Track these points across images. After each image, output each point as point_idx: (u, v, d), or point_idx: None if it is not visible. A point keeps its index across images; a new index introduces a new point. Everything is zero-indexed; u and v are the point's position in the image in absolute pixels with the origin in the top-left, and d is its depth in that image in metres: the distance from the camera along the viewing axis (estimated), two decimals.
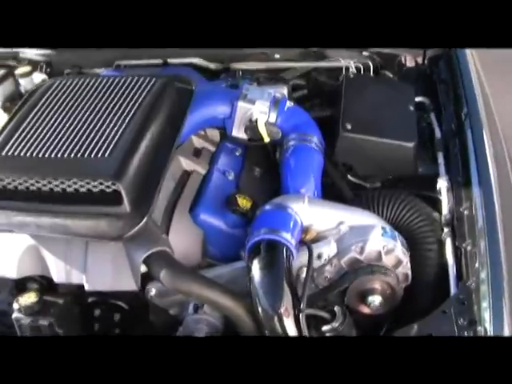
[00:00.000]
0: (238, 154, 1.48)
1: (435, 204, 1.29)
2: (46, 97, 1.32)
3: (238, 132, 1.45)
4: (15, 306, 1.21)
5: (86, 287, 1.18)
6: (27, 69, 1.72)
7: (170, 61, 1.73)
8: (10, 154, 1.17)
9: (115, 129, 1.19)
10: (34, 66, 1.76)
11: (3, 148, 1.19)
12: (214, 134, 1.53)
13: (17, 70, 1.74)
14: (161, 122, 1.25)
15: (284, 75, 1.64)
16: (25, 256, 1.22)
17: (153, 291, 1.25)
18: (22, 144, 1.19)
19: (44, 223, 1.13)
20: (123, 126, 1.20)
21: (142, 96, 1.28)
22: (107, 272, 1.16)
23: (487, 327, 1.00)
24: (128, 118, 1.22)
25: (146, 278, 1.26)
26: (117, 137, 1.17)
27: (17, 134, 1.22)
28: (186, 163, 1.40)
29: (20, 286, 1.28)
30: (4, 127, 1.26)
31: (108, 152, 1.14)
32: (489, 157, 1.25)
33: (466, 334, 1.01)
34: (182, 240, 1.26)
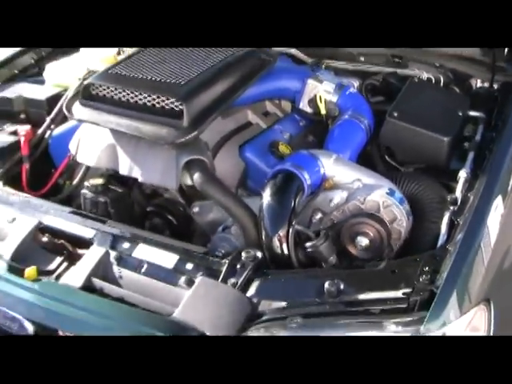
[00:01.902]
0: (301, 124, 1.76)
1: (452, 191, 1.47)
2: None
3: (305, 106, 1.74)
4: (86, 183, 1.60)
5: (140, 179, 1.51)
6: None
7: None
8: (114, 71, 1.59)
9: (197, 69, 1.56)
10: None
11: (111, 68, 1.62)
12: (287, 106, 1.84)
13: None
14: (233, 76, 1.59)
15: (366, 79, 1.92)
16: (104, 151, 1.58)
17: (196, 208, 1.58)
18: (126, 68, 1.60)
19: (123, 123, 1.50)
20: (204, 69, 1.57)
21: (228, 55, 1.65)
22: (158, 169, 1.49)
23: (443, 276, 1.17)
24: (210, 66, 1.59)
25: (192, 198, 1.61)
26: (195, 74, 1.54)
27: (124, 62, 1.64)
28: (251, 116, 1.73)
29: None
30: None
31: (185, 82, 1.50)
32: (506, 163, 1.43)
33: (424, 278, 1.18)
34: (226, 163, 1.57)
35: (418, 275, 1.18)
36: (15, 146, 1.83)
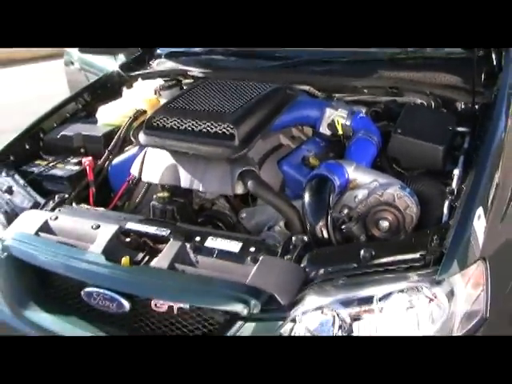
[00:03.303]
0: (321, 144, 2.24)
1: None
2: (202, 82, 2.24)
3: (324, 129, 2.24)
4: (154, 196, 2.06)
5: (200, 189, 1.97)
6: (190, 80, 2.70)
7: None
8: (172, 106, 2.07)
9: (243, 99, 2.06)
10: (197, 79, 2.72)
11: (169, 103, 2.10)
12: (308, 131, 2.34)
13: (184, 81, 2.72)
14: (268, 107, 2.09)
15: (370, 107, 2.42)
16: (166, 169, 2.03)
17: (243, 214, 2.05)
18: (182, 101, 2.08)
19: (184, 146, 1.96)
20: (245, 101, 2.06)
21: (267, 89, 2.15)
22: (216, 180, 1.94)
23: (449, 241, 1.63)
24: (250, 98, 2.08)
25: (236, 208, 2.08)
26: (241, 103, 2.02)
27: (178, 98, 2.13)
28: (283, 139, 2.22)
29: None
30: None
31: (233, 110, 1.98)
32: (488, 164, 1.90)
33: (434, 243, 1.64)
34: (268, 176, 2.04)
35: (430, 242, 1.63)
36: (81, 173, 2.28)
